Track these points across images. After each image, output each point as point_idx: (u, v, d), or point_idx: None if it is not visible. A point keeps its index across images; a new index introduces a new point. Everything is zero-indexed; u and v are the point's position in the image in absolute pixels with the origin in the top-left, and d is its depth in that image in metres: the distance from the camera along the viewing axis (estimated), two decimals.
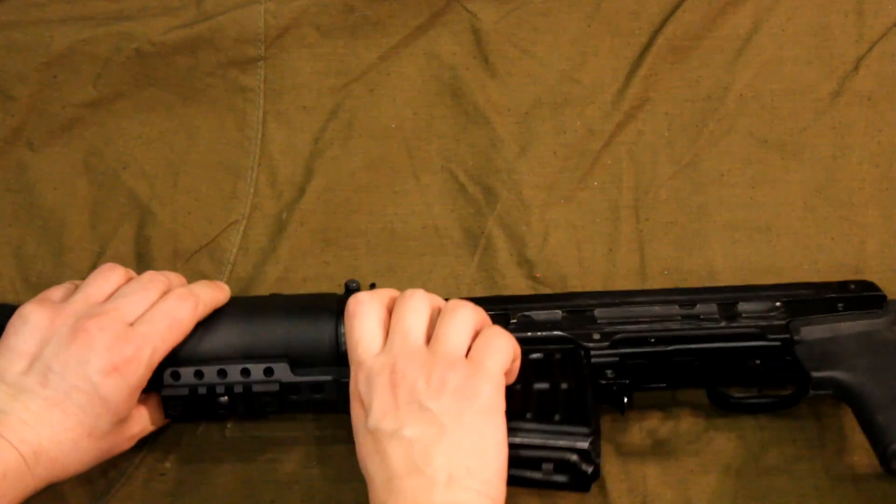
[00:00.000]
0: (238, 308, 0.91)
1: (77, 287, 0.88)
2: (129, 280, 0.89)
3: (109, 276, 0.88)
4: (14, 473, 0.78)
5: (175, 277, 0.90)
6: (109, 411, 0.82)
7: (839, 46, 1.06)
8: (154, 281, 0.88)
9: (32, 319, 0.84)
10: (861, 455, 0.91)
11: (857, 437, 0.88)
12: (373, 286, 0.96)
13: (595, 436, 0.84)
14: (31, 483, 0.80)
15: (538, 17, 1.08)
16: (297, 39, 1.08)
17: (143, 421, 0.88)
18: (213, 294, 0.90)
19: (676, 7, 1.07)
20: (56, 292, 0.88)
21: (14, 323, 0.84)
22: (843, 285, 0.94)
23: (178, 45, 1.06)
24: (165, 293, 0.87)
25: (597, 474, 0.84)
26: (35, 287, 1.02)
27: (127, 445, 0.87)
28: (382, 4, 1.07)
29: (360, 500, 0.92)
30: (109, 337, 0.82)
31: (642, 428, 0.94)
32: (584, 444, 0.83)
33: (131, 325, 0.84)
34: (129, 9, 1.08)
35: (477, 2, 1.08)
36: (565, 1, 1.08)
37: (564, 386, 0.87)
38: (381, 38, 1.08)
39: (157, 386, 0.89)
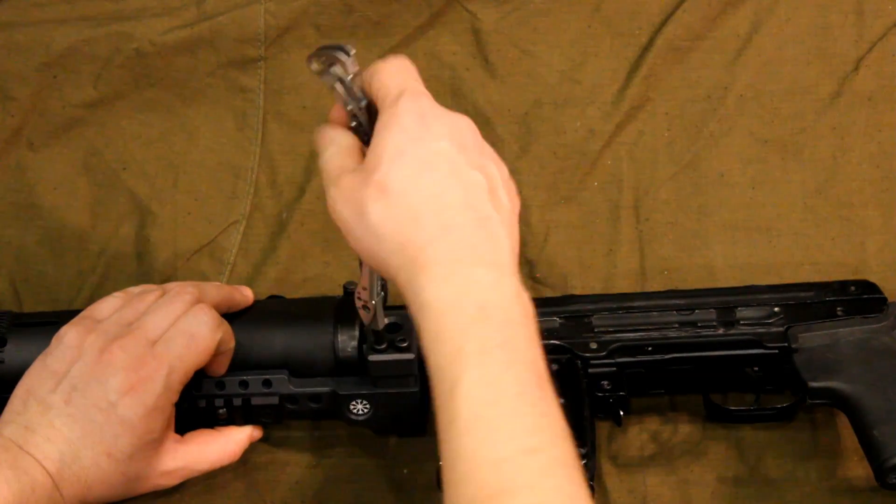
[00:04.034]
0: (234, 317, 0.90)
1: (127, 298, 0.89)
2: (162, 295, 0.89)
3: (146, 297, 0.88)
4: (42, 489, 0.79)
5: (210, 287, 0.90)
6: (127, 431, 0.82)
7: (839, 46, 1.06)
8: (181, 294, 0.87)
9: (66, 340, 0.85)
10: (858, 463, 0.91)
11: (855, 444, 0.88)
12: None
13: (589, 458, 0.84)
14: (62, 502, 0.80)
15: (538, 18, 1.08)
16: (297, 39, 1.08)
17: (181, 458, 0.87)
18: (230, 301, 0.90)
19: (676, 7, 1.07)
20: (104, 307, 0.88)
21: (52, 342, 0.85)
22: (843, 286, 0.93)
23: (178, 46, 1.06)
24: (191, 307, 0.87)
25: (591, 494, 0.84)
26: (35, 287, 1.03)
27: (163, 481, 0.86)
28: (382, 4, 1.07)
29: (360, 500, 0.93)
30: (129, 357, 0.83)
31: (641, 431, 0.94)
32: None
33: (154, 343, 0.84)
34: (128, 9, 1.08)
35: (477, 2, 1.08)
36: (565, 1, 1.08)
37: (560, 402, 0.87)
38: (381, 38, 1.08)
39: (207, 422, 0.89)
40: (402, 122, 0.72)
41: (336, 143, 0.76)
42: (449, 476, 0.65)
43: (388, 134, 0.72)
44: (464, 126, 0.74)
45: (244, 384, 0.89)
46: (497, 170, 0.74)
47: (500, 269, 0.70)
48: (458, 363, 0.66)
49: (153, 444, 0.84)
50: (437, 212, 0.70)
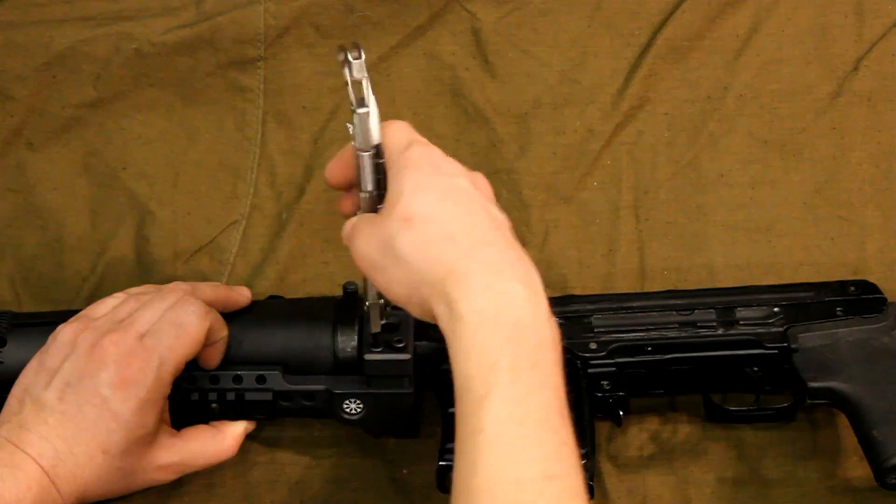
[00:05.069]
0: (234, 316, 0.90)
1: (125, 298, 0.89)
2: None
3: (140, 297, 0.88)
4: (39, 486, 0.79)
5: (206, 286, 0.90)
6: (121, 426, 0.82)
7: (839, 46, 1.06)
8: (174, 290, 0.88)
9: (60, 337, 0.85)
10: (858, 463, 0.91)
11: (855, 444, 0.89)
12: None
13: (589, 458, 0.84)
14: (60, 500, 0.81)
15: (538, 18, 1.08)
16: (297, 39, 1.08)
17: (176, 452, 0.87)
18: (226, 300, 0.90)
19: (676, 7, 1.07)
20: (102, 307, 0.89)
21: (48, 341, 0.86)
22: (842, 286, 0.94)
23: (178, 46, 1.06)
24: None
25: (590, 495, 0.84)
26: (35, 287, 1.03)
27: (159, 476, 0.87)
28: (382, 4, 1.07)
29: (360, 500, 0.93)
30: (120, 351, 0.83)
31: (641, 431, 0.94)
32: None
33: (144, 336, 0.84)
34: (128, 9, 1.08)
35: (477, 2, 1.08)
36: (565, 1, 1.08)
37: None
38: (381, 39, 1.08)
39: (201, 417, 0.90)
40: (417, 164, 0.73)
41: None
42: (462, 485, 0.65)
43: (403, 175, 0.73)
44: (477, 174, 0.76)
45: (238, 379, 0.89)
46: (507, 220, 0.75)
47: (534, 288, 0.70)
48: (489, 377, 0.66)
49: (147, 439, 0.84)
50: (469, 230, 0.71)
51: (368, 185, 0.76)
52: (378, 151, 0.76)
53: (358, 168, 0.76)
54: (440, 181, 0.73)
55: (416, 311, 0.73)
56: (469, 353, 0.67)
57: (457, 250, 0.70)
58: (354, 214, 0.78)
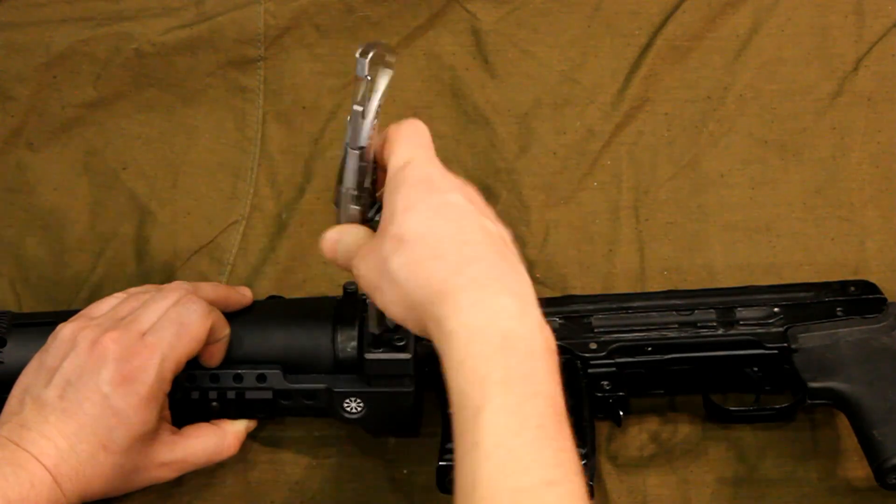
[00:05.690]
0: (234, 315, 0.90)
1: (125, 297, 0.89)
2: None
3: (141, 296, 0.88)
4: (42, 484, 0.79)
5: (207, 286, 0.91)
6: (122, 423, 0.82)
7: (839, 47, 1.06)
8: (176, 290, 0.88)
9: (60, 336, 0.85)
10: (858, 463, 0.91)
11: (855, 444, 0.89)
12: None
13: (589, 458, 0.84)
14: (63, 498, 0.80)
15: (538, 18, 1.08)
16: (297, 39, 1.08)
17: (178, 450, 0.87)
18: (227, 300, 0.91)
19: (676, 7, 1.07)
20: (102, 306, 0.89)
21: (48, 340, 0.86)
22: (843, 286, 0.94)
23: (178, 46, 1.06)
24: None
25: (590, 495, 0.84)
26: (35, 287, 1.02)
27: (161, 473, 0.87)
28: (382, 4, 1.07)
29: (360, 500, 0.93)
30: (121, 348, 0.83)
31: (641, 431, 0.94)
32: None
33: (145, 334, 0.84)
34: (128, 9, 1.08)
35: (477, 2, 1.08)
36: (565, 1, 1.08)
37: None
38: (381, 38, 1.08)
39: (202, 416, 0.90)
40: (410, 182, 0.74)
41: (345, 235, 0.79)
42: (464, 499, 0.65)
43: (397, 193, 0.74)
44: (471, 189, 0.76)
45: (238, 378, 0.89)
46: (505, 231, 0.76)
47: (524, 299, 0.71)
48: (482, 390, 0.67)
49: (148, 436, 0.84)
50: (458, 247, 0.72)
51: (349, 182, 0.78)
52: (363, 154, 0.77)
53: (342, 162, 0.78)
54: (432, 198, 0.74)
55: (414, 330, 0.74)
56: (460, 367, 0.68)
57: (445, 269, 0.71)
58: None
